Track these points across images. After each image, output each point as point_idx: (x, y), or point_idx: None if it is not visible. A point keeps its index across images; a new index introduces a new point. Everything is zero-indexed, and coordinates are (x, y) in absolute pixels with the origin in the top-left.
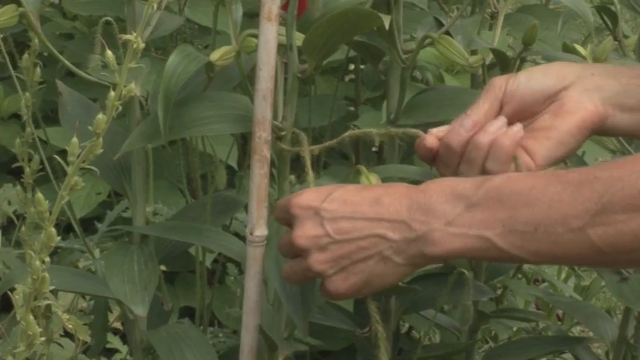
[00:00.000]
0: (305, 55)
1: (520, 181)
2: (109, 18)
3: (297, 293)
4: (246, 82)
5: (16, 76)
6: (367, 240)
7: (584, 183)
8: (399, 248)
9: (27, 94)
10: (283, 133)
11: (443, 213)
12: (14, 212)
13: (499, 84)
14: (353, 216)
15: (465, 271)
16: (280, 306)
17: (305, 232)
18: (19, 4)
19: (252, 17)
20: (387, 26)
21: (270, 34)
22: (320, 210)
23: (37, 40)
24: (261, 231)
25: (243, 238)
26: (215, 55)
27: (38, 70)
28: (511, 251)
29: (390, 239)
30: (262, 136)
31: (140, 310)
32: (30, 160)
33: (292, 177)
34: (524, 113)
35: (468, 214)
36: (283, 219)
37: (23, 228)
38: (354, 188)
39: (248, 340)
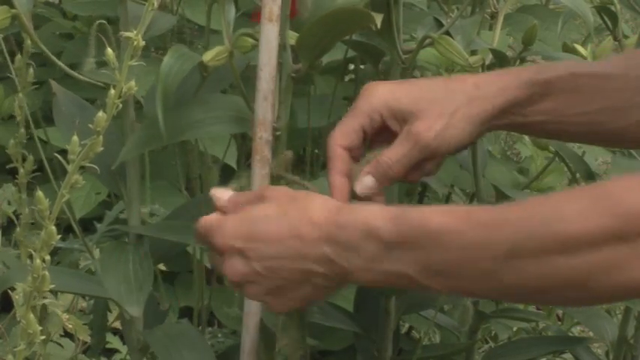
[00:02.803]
0: (299, 55)
1: (433, 220)
2: (103, 20)
3: None
4: (239, 82)
5: (14, 77)
6: (297, 274)
7: (495, 226)
8: (327, 278)
9: (20, 94)
10: (278, 132)
11: (363, 250)
12: (14, 212)
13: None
14: (278, 255)
15: None
16: None
17: (235, 270)
18: (12, 6)
19: (251, 17)
20: (378, 24)
21: (271, 34)
22: (244, 251)
23: (29, 41)
24: None
25: None
26: (208, 56)
27: (31, 70)
28: (432, 285)
29: (318, 272)
30: (263, 136)
31: (135, 311)
32: (24, 160)
33: (297, 178)
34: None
35: (386, 252)
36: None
37: (18, 228)
38: (271, 217)
39: (249, 340)
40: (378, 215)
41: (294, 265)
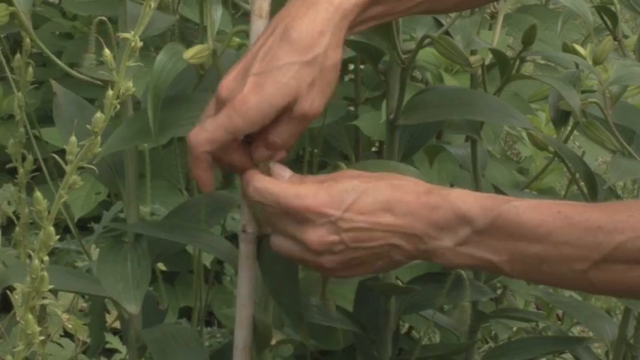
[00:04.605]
0: None
1: (527, 214)
2: (103, 18)
3: (291, 301)
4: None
5: (11, 77)
6: (382, 248)
7: (589, 231)
8: (409, 255)
9: (19, 94)
10: None
11: (453, 232)
12: (14, 212)
13: None
14: (370, 227)
15: (464, 272)
16: (268, 304)
17: (320, 238)
18: (10, 4)
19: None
20: None
21: (261, 30)
22: (337, 220)
23: (29, 40)
24: (253, 227)
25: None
26: (188, 54)
27: (31, 70)
28: (514, 275)
29: (404, 248)
30: None
31: (132, 308)
32: (24, 160)
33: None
34: None
35: (477, 237)
36: (285, 217)
37: (18, 228)
38: (366, 192)
39: (242, 336)
40: (469, 202)
41: (382, 238)
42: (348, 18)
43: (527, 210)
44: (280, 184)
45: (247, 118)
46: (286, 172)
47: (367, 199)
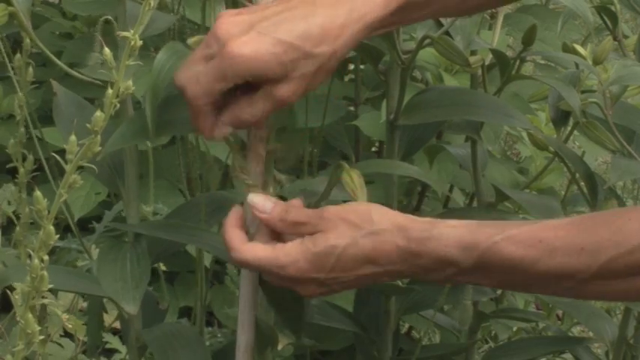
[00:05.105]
0: None
1: (508, 249)
2: (109, 17)
3: (288, 305)
4: None
5: (12, 76)
6: (370, 283)
7: (572, 254)
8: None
9: (20, 94)
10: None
11: (441, 272)
12: (14, 212)
13: None
14: (356, 279)
15: None
16: (269, 305)
17: (311, 292)
18: (9, 4)
19: None
20: None
21: None
22: (324, 281)
23: (28, 40)
24: (255, 229)
25: None
26: (192, 40)
27: (31, 70)
28: (506, 290)
29: (394, 279)
30: (257, 134)
31: (131, 308)
32: (24, 159)
33: (283, 177)
34: None
35: (463, 276)
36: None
37: (18, 228)
38: (345, 251)
39: (244, 337)
40: (449, 244)
41: (370, 281)
42: (365, 31)
43: (508, 245)
44: (258, 255)
45: (235, 67)
46: (268, 204)
47: (347, 258)
